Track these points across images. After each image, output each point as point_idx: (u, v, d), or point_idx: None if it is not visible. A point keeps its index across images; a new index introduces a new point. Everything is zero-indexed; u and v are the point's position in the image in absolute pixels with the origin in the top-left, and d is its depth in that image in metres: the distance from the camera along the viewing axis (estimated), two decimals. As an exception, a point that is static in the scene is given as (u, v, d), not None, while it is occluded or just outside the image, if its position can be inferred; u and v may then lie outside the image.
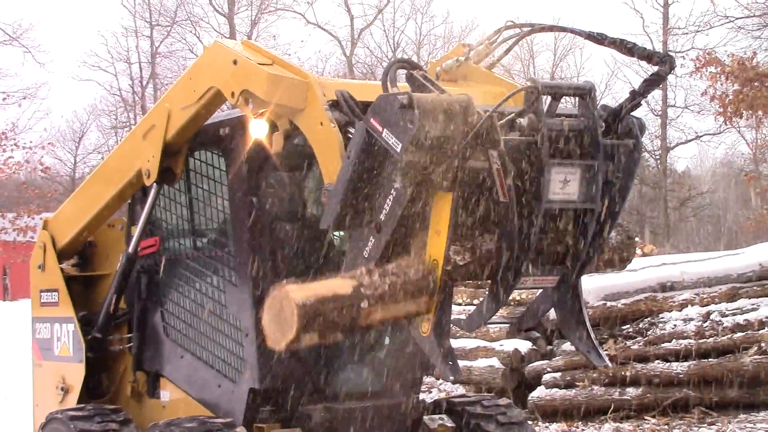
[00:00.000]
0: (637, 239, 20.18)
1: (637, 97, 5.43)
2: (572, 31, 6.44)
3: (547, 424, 11.57)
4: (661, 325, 11.37)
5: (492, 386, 12.59)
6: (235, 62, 5.88)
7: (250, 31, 44.11)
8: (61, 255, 7.86)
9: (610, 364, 7.87)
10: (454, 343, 6.98)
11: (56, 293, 7.78)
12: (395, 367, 6.87)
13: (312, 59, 58.92)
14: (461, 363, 12.58)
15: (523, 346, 12.62)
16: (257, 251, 6.40)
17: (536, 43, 51.31)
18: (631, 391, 11.14)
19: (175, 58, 45.30)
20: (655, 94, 44.96)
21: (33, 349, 8.14)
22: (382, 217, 5.07)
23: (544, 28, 6.52)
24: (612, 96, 49.41)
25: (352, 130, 5.30)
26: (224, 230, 6.72)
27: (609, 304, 11.91)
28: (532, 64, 51.21)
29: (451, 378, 5.05)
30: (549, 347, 12.72)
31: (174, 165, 6.71)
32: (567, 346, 11.84)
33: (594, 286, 12.13)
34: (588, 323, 5.67)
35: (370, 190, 5.15)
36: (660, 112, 44.86)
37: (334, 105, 5.54)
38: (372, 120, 5.01)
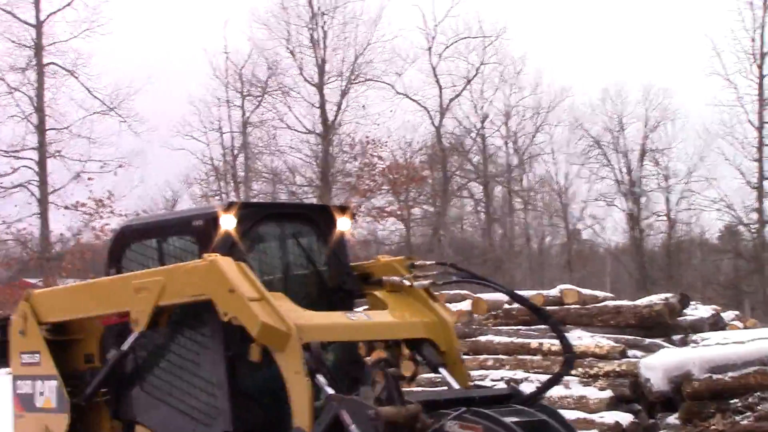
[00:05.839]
0: (737, 313, 19.69)
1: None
2: (497, 287, 7.79)
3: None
4: (771, 399, 10.87)
5: (593, 459, 12.17)
6: (231, 291, 6.79)
7: (339, 101, 44.43)
8: (40, 324, 8.56)
9: None
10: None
11: (38, 354, 8.55)
12: None
13: (400, 129, 59.38)
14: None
15: (624, 418, 12.20)
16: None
17: (626, 114, 50.82)
18: (741, 469, 10.62)
19: (265, 128, 45.69)
20: (750, 166, 44.18)
21: (14, 402, 8.86)
22: None
23: (477, 281, 7.71)
24: (706, 168, 48.65)
25: (319, 376, 6.58)
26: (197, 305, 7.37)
27: (715, 376, 11.41)
28: (622, 136, 50.69)
29: None
30: (651, 420, 12.25)
31: (160, 320, 7.48)
32: (671, 419, 11.38)
33: (699, 356, 11.67)
34: None
35: None
36: (756, 185, 43.95)
37: (307, 348, 6.60)
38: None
